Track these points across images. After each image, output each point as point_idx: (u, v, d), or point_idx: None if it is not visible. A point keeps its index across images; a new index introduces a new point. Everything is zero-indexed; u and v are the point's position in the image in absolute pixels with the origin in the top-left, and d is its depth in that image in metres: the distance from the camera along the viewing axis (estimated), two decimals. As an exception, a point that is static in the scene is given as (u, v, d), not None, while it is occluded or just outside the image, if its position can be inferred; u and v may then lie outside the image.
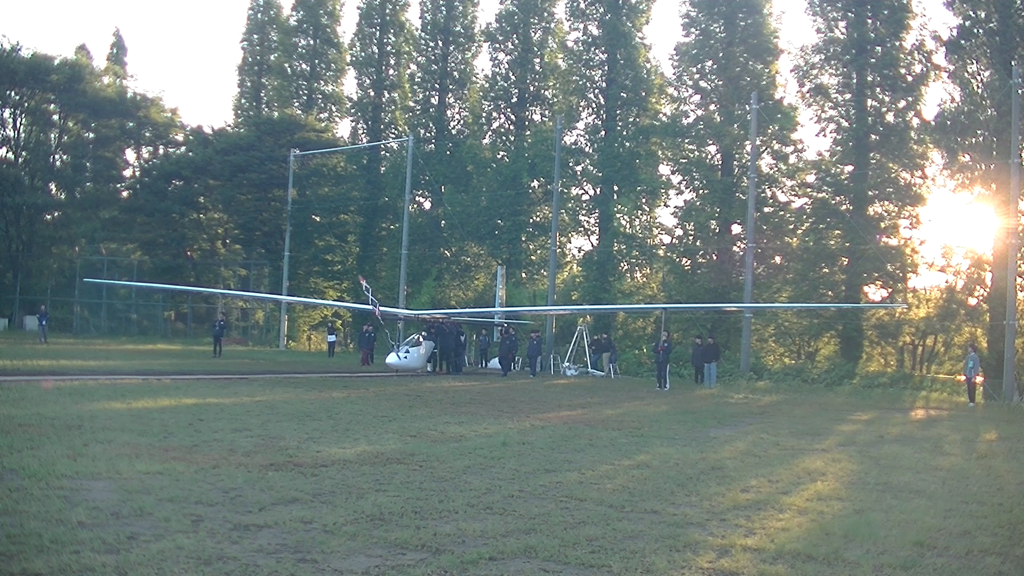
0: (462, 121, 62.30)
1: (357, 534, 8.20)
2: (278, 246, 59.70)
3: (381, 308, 38.34)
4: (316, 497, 9.77)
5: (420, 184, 58.68)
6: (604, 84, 54.10)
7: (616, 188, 52.98)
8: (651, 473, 12.55)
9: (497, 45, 59.90)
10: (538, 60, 59.66)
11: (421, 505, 9.58)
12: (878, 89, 45.38)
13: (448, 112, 62.53)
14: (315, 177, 62.94)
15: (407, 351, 36.27)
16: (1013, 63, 37.20)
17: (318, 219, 62.10)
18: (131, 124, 69.32)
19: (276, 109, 69.43)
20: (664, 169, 52.98)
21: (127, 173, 72.15)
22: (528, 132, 58.67)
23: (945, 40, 42.56)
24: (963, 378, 33.68)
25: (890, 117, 45.00)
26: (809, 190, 46.69)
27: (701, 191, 49.07)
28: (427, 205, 63.40)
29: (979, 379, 33.21)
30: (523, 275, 57.09)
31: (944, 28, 55.46)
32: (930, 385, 38.33)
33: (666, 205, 53.42)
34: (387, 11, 65.63)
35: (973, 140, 41.66)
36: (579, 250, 59.43)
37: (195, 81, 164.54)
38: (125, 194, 69.02)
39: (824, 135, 46.43)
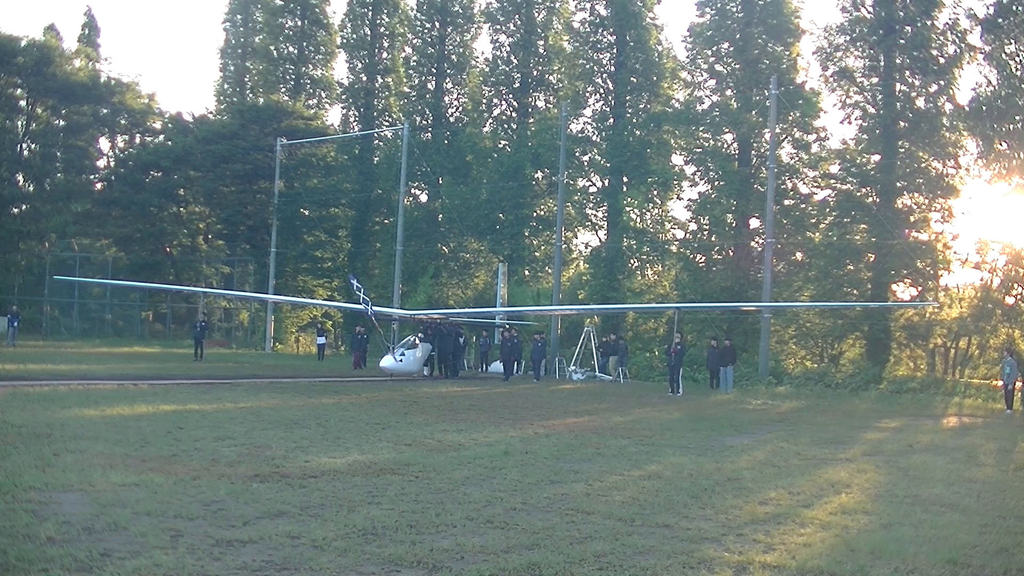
0: (461, 108, 62.40)
1: (348, 550, 8.20)
2: (264, 242, 59.74)
3: (374, 308, 38.30)
4: (304, 510, 9.77)
5: (416, 175, 58.71)
6: (612, 68, 54.15)
7: (625, 179, 53.00)
8: (663, 484, 12.54)
9: (498, 26, 59.96)
10: (542, 42, 59.74)
11: (417, 519, 9.58)
12: (908, 72, 45.32)
13: (446, 98, 62.68)
14: (303, 168, 62.96)
15: (402, 354, 36.31)
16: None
17: (307, 213, 62.15)
18: (105, 111, 69.10)
19: (261, 95, 69.40)
20: (677, 159, 53.17)
21: (101, 163, 72.19)
22: (531, 119, 58.76)
23: (981, 19, 42.36)
24: (1000, 383, 33.60)
25: (920, 102, 44.94)
26: (833, 181, 46.71)
27: (717, 183, 49.08)
28: (423, 198, 63.55)
29: (1018, 384, 33.11)
30: (526, 273, 57.15)
31: (980, 5, 55.47)
32: (963, 390, 38.23)
33: (679, 198, 53.81)
34: (380, -10, 65.79)
35: (1011, 126, 41.47)
36: (586, 246, 59.68)
37: (174, 65, 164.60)
38: (99, 186, 68.97)
39: (849, 122, 46.47)
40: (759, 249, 45.87)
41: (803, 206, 48.06)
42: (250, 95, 71.79)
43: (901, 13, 44.90)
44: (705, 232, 50.20)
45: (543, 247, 57.92)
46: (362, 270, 62.32)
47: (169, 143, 66.42)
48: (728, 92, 49.31)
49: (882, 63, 45.32)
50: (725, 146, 49.75)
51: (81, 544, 7.95)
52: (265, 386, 27.81)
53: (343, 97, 67.88)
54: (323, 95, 70.58)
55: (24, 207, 68.72)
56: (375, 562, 7.89)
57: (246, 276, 63.91)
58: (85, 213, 65.72)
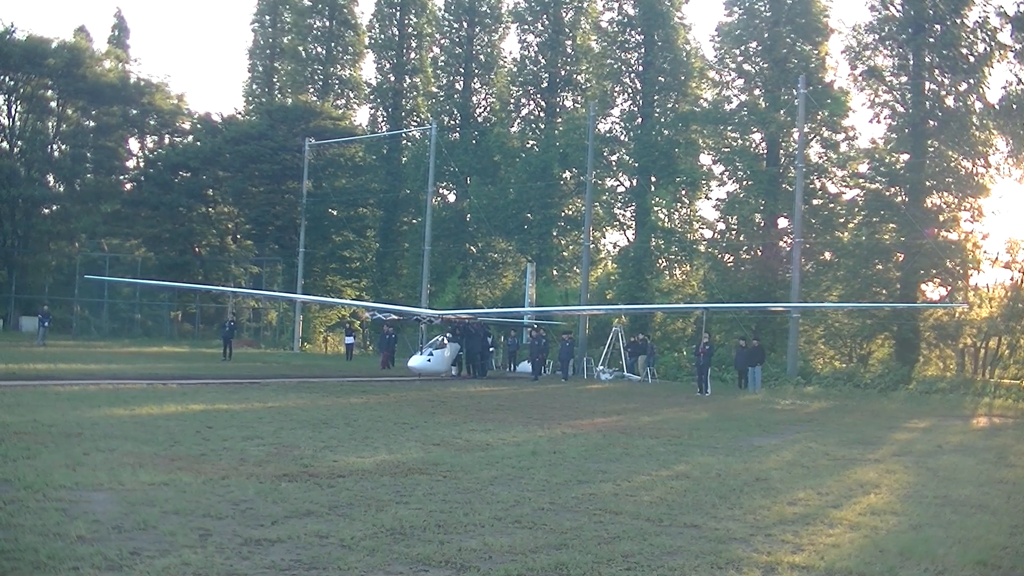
0: (489, 108, 62.36)
1: (376, 549, 8.19)
2: (292, 241, 59.92)
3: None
4: (332, 510, 9.77)
5: (444, 175, 58.71)
6: (640, 68, 54.00)
7: (654, 179, 52.88)
8: (691, 484, 12.50)
9: (526, 26, 59.90)
10: (570, 42, 59.68)
11: (445, 518, 9.57)
12: (937, 71, 44.98)
13: (474, 98, 62.61)
14: (332, 168, 63.23)
15: (431, 354, 36.38)
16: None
17: (335, 213, 62.37)
18: (134, 111, 69.64)
19: (290, 95, 69.72)
20: (705, 159, 53.12)
21: (130, 164, 72.73)
22: (559, 119, 58.70)
23: (1011, 16, 41.95)
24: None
25: (950, 101, 44.62)
26: (861, 181, 46.42)
27: (745, 182, 48.94)
28: (451, 198, 63.57)
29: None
30: (554, 273, 57.10)
31: (1010, 3, 54.74)
32: (993, 391, 37.94)
33: (707, 197, 53.59)
34: (408, -10, 65.90)
35: (1041, 125, 41.22)
36: (614, 246, 59.58)
37: (203, 65, 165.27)
38: (128, 186, 69.40)
39: (878, 121, 46.24)
40: (787, 249, 45.66)
41: (831, 206, 47.88)
42: (278, 95, 72.03)
43: (930, 11, 44.55)
44: (733, 232, 50.07)
45: (571, 247, 57.82)
46: (390, 270, 62.63)
47: (198, 143, 66.76)
48: (756, 91, 49.14)
49: (911, 62, 45.03)
50: (753, 146, 49.61)
51: (111, 543, 7.97)
52: (293, 386, 27.86)
53: (371, 97, 67.94)
54: (351, 95, 70.83)
55: (54, 208, 69.41)
56: (403, 561, 7.89)
57: (274, 276, 64.15)
58: (114, 213, 66.16)
